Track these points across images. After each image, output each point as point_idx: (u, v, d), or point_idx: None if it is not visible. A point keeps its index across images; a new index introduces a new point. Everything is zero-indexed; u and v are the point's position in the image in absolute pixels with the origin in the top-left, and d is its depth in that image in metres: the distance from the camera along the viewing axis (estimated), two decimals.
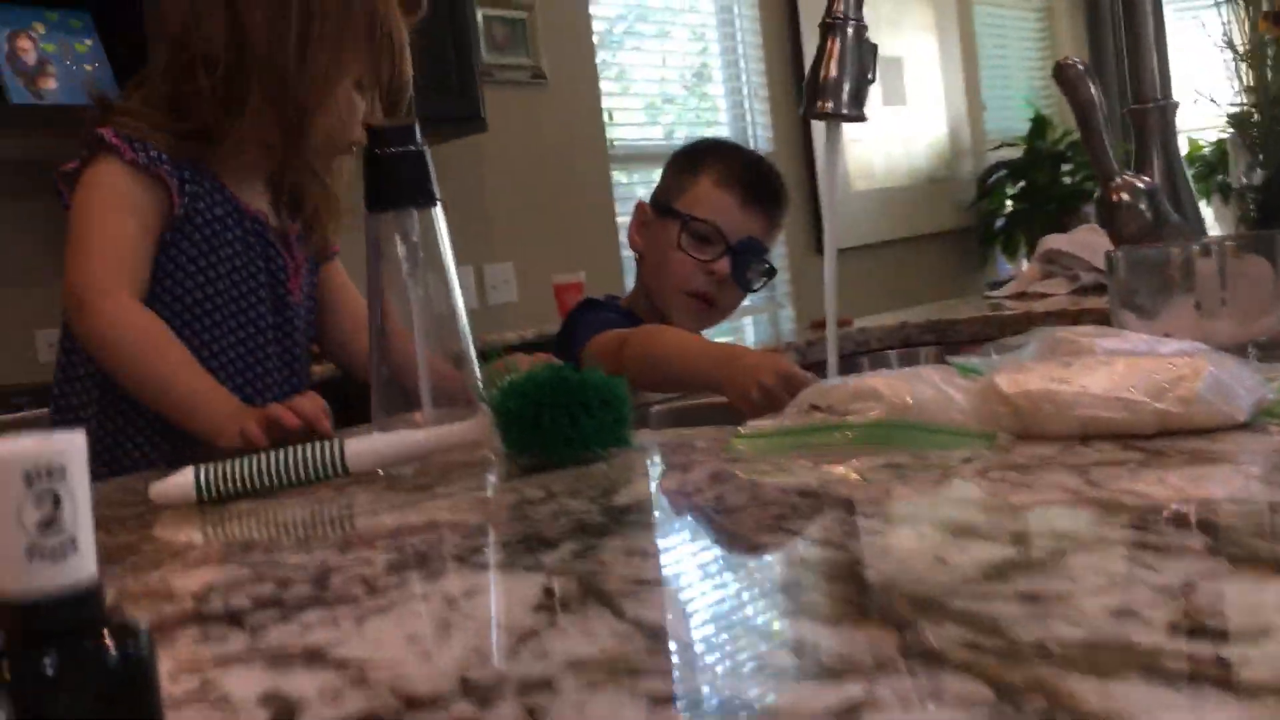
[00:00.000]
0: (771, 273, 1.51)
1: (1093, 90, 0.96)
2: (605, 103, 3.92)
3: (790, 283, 4.55)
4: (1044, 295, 1.77)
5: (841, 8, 1.03)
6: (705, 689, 0.35)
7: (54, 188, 1.22)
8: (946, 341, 1.63)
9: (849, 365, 1.60)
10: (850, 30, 1.03)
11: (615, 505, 0.63)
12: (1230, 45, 1.12)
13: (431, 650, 0.41)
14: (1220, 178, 4.70)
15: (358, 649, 0.42)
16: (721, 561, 0.51)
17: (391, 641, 0.43)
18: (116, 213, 1.15)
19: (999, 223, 5.44)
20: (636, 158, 4.06)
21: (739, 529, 0.56)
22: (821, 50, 1.03)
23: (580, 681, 0.35)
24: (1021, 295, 1.82)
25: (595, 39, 3.88)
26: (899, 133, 5.07)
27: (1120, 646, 0.33)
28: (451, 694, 0.36)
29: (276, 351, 1.27)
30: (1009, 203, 5.40)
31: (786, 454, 0.70)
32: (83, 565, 0.30)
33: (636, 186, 3.99)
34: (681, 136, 4.30)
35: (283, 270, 1.27)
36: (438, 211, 0.94)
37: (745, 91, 4.50)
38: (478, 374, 0.90)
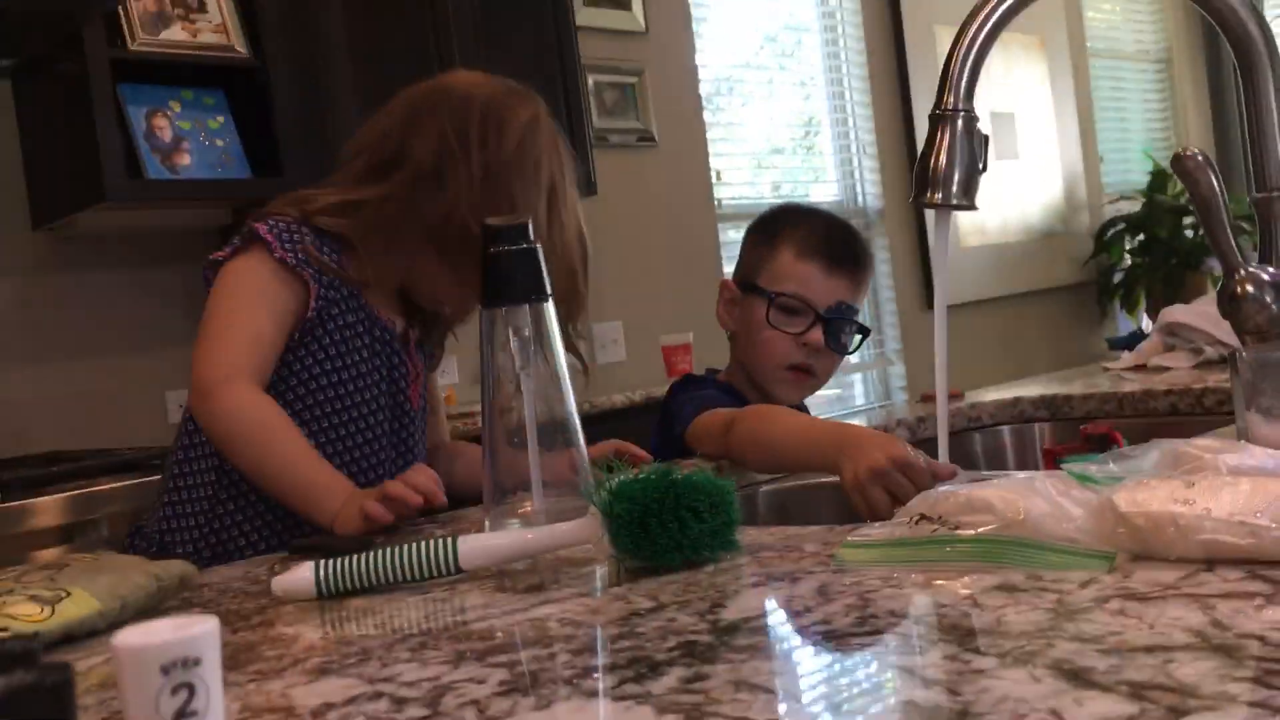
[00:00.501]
0: (865, 332, 1.51)
1: (1213, 181, 0.94)
2: (713, 162, 3.95)
3: (901, 339, 4.50)
4: (1164, 369, 1.72)
5: (951, 100, 1.03)
6: None
7: (202, 275, 1.28)
8: (1061, 418, 1.59)
9: (960, 442, 1.58)
10: (960, 122, 1.02)
11: (723, 623, 0.63)
12: None
13: None
14: None
15: None
16: (825, 701, 0.51)
17: None
18: (252, 305, 1.20)
19: (1117, 277, 5.30)
20: (745, 215, 4.08)
21: (846, 659, 0.56)
22: (931, 141, 1.03)
23: None
24: (1141, 368, 1.77)
25: (702, 99, 3.92)
26: (1012, 187, 4.99)
27: None
28: None
29: (391, 456, 1.30)
30: (1128, 257, 5.26)
31: (895, 566, 0.69)
32: None
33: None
34: (789, 193, 4.30)
35: (404, 378, 1.31)
36: (549, 307, 0.96)
37: (854, 149, 4.48)
38: (588, 472, 0.91)
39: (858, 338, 1.51)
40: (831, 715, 0.49)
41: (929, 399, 1.74)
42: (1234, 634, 0.51)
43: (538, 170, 1.25)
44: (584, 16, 3.47)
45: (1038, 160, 5.15)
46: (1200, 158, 0.95)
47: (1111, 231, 5.28)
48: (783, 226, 1.52)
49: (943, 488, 0.75)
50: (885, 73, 4.54)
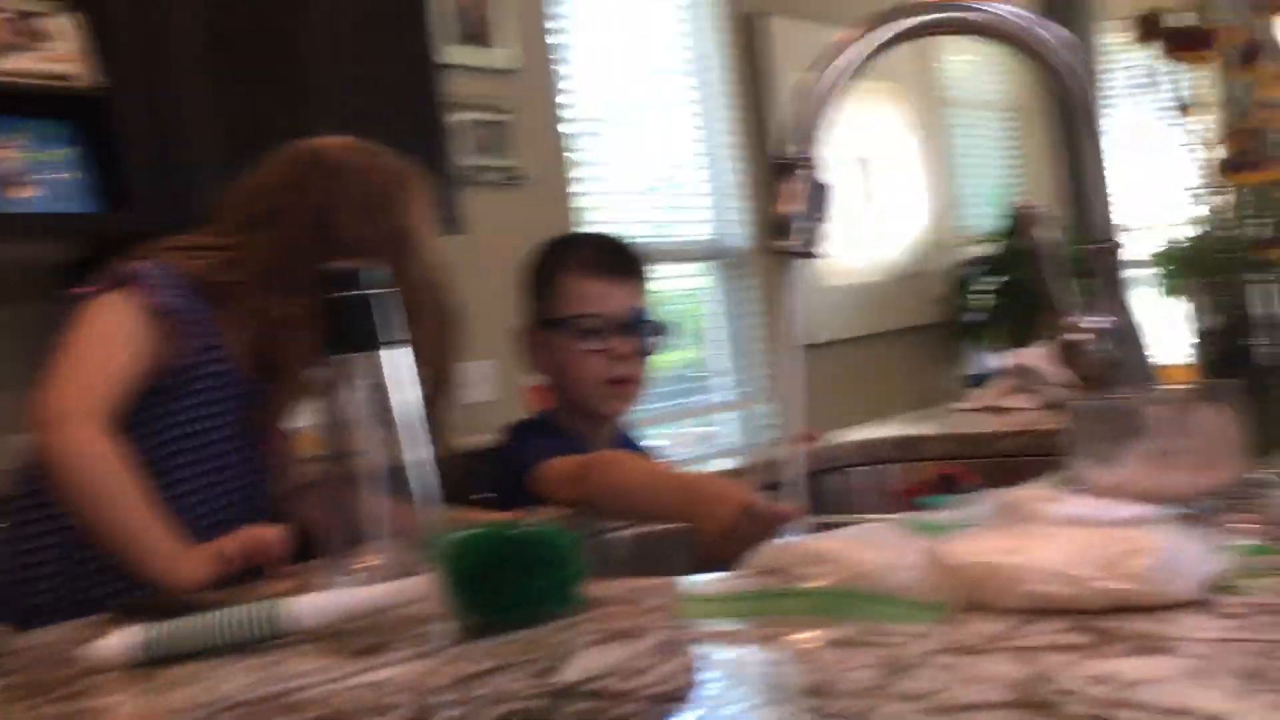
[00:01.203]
0: (663, 329, 1.58)
1: (1047, 233, 0.97)
2: (584, 200, 3.96)
3: (770, 378, 4.56)
4: (1012, 410, 1.77)
5: (793, 150, 1.04)
6: None
7: (50, 312, 1.23)
8: (916, 458, 1.62)
9: (817, 482, 1.60)
10: (804, 170, 1.04)
11: (558, 685, 0.62)
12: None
13: None
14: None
15: None
16: None
17: None
18: (113, 344, 1.16)
19: (977, 316, 5.49)
20: None
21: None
22: (776, 189, 1.05)
23: None
24: (990, 409, 1.83)
25: (572, 137, 3.94)
26: (872, 229, 5.14)
27: None
28: None
29: (245, 511, 1.25)
30: (989, 298, 5.45)
31: (737, 621, 0.69)
32: None
33: None
34: (657, 234, 4.34)
35: (261, 430, 1.27)
36: (396, 354, 0.94)
37: (723, 190, 4.55)
38: (430, 515, 0.88)
39: (660, 337, 1.57)
40: None
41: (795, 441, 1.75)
42: (1053, 689, 0.51)
43: (386, 216, 1.25)
44: (456, 55, 3.46)
45: (897, 204, 5.31)
46: (1036, 210, 0.98)
47: (969, 272, 5.47)
48: (557, 258, 1.58)
49: (786, 537, 0.75)
50: (751, 116, 4.64)
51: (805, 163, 1.03)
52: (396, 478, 0.92)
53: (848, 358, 4.94)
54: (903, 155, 5.35)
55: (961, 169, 5.87)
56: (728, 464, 1.67)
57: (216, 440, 1.23)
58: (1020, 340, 5.11)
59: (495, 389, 3.70)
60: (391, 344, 0.94)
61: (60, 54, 2.45)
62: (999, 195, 6.02)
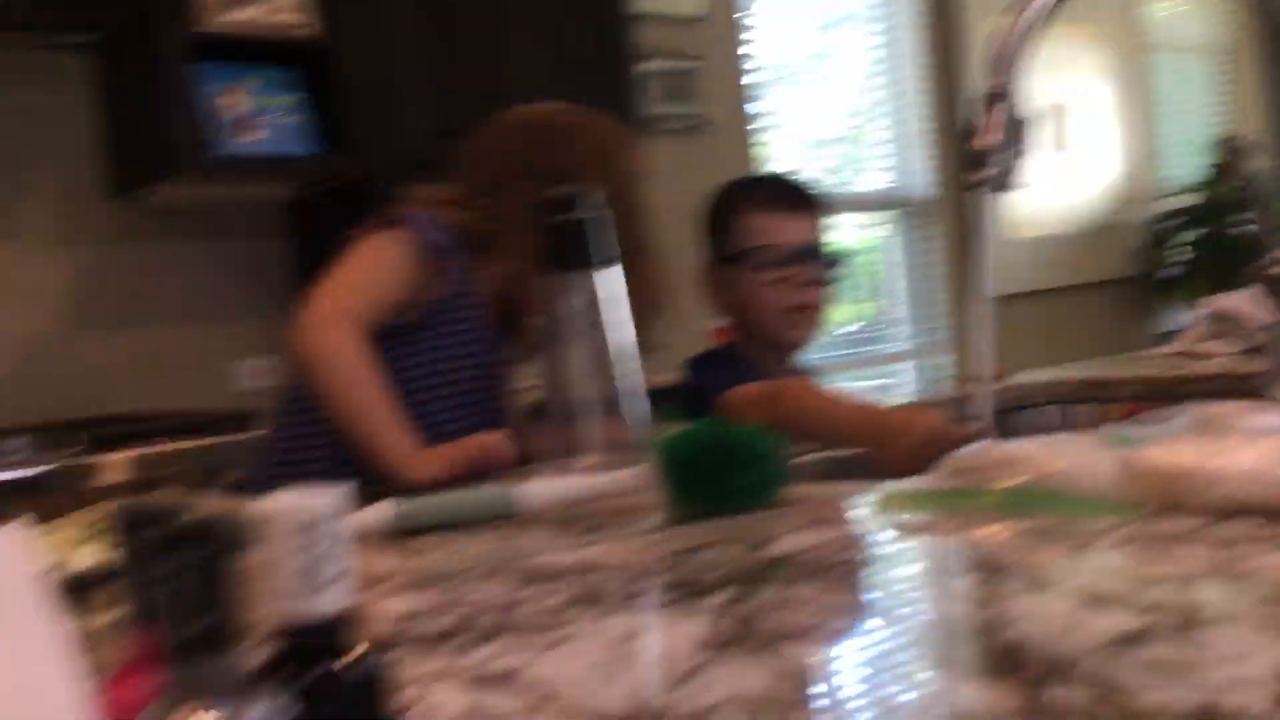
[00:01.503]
0: (840, 260, 1.63)
1: (1257, 163, 0.97)
2: (767, 150, 3.98)
3: (952, 328, 4.51)
4: (1210, 355, 1.74)
5: (997, 81, 1.06)
6: None
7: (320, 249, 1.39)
8: (1103, 400, 1.62)
9: (1004, 422, 1.61)
10: (1006, 102, 1.06)
11: (769, 555, 0.68)
12: None
13: (611, 678, 0.47)
14: None
15: (545, 673, 0.49)
16: (869, 614, 0.56)
17: (574, 669, 0.49)
18: (380, 269, 1.31)
19: (1174, 271, 5.26)
20: None
21: (886, 584, 0.61)
22: (977, 121, 1.07)
23: (738, 713, 0.41)
24: (1185, 354, 1.79)
25: (756, 86, 3.96)
26: (1065, 179, 4.97)
27: (1233, 714, 0.37)
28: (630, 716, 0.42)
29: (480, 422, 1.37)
30: (1188, 250, 5.21)
31: (933, 514, 0.74)
32: (338, 599, 0.37)
33: None
34: (841, 181, 4.32)
35: (499, 361, 1.40)
36: (610, 274, 1.02)
37: (908, 138, 4.49)
38: (641, 426, 0.96)
39: (839, 267, 1.63)
40: (874, 623, 0.54)
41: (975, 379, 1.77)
42: (1244, 566, 0.55)
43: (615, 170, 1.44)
44: (644, 3, 3.52)
45: (1093, 152, 5.12)
46: (1244, 141, 0.98)
47: (1166, 224, 5.24)
48: (735, 197, 1.64)
49: (980, 444, 0.79)
50: (939, 61, 4.55)
51: (1004, 96, 1.06)
52: (610, 393, 1.01)
53: (1036, 311, 4.82)
54: (1100, 101, 5.15)
55: (1162, 116, 5.60)
56: (913, 398, 1.70)
57: (460, 378, 1.37)
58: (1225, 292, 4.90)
59: (674, 332, 3.80)
60: (606, 263, 1.02)
61: (288, 5, 2.63)
62: (1202, 143, 5.72)
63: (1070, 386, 1.66)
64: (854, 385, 4.40)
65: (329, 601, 0.37)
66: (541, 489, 0.88)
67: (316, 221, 2.87)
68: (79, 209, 2.65)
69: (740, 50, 3.89)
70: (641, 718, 0.42)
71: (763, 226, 1.59)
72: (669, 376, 2.94)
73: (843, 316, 4.39)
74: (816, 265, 1.59)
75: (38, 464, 1.89)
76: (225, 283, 2.84)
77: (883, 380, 4.46)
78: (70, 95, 2.64)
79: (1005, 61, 1.06)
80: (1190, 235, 5.19)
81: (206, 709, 0.33)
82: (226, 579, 0.34)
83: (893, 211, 4.50)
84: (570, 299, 1.01)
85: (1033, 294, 4.80)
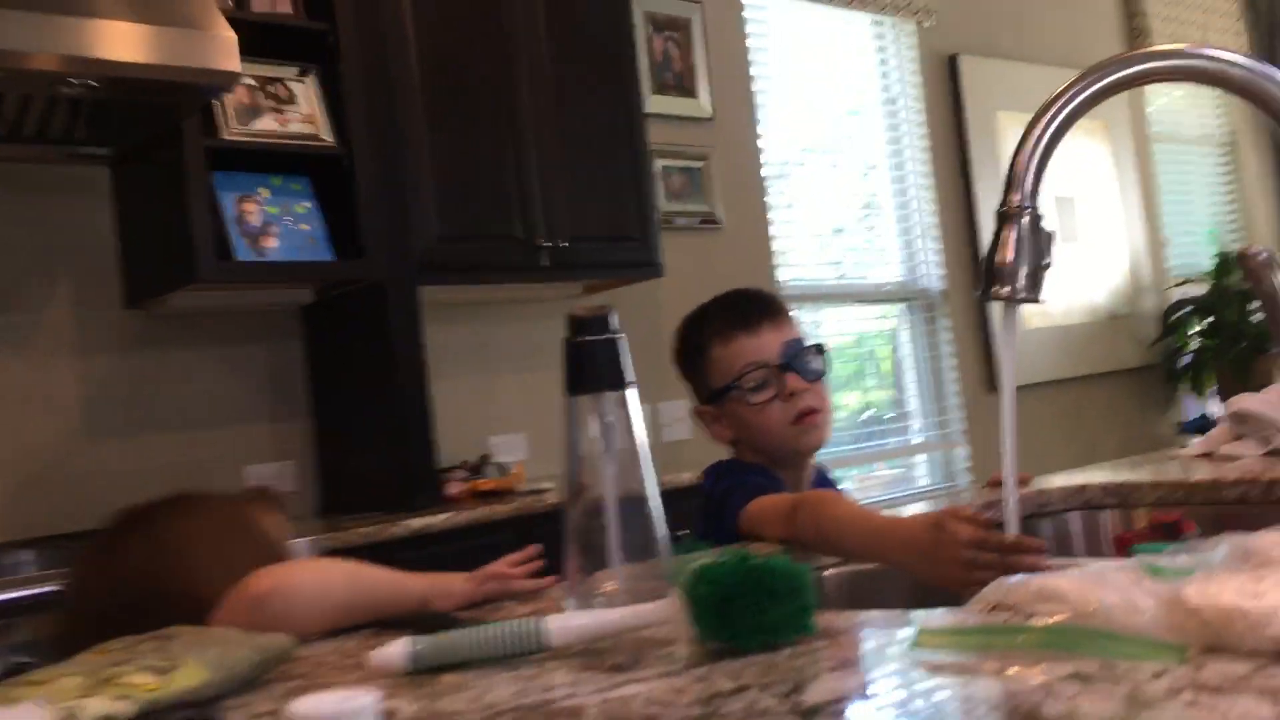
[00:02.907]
0: (822, 349, 1.61)
1: (1275, 279, 0.97)
2: (776, 244, 4.01)
3: (966, 420, 4.48)
4: (1233, 457, 1.71)
5: (1017, 198, 1.07)
6: None
7: None
8: (1130, 505, 1.59)
9: (1027, 528, 1.58)
10: (1026, 219, 1.06)
11: (805, 705, 0.66)
12: None
13: None
14: None
15: None
16: None
17: None
18: None
19: (1184, 360, 5.25)
20: (809, 296, 4.13)
21: None
22: (998, 237, 1.07)
23: None
24: (1209, 455, 1.77)
25: (765, 181, 4.00)
26: (1075, 270, 4.99)
27: None
28: None
29: None
30: (1195, 340, 5.21)
31: (970, 654, 0.71)
32: None
33: (808, 326, 4.04)
34: (851, 275, 4.34)
35: None
36: (629, 393, 1.01)
37: (915, 231, 4.52)
38: (667, 557, 0.94)
39: (820, 359, 1.61)
40: None
41: (996, 484, 1.75)
42: None
43: None
44: (653, 104, 3.58)
45: (1102, 243, 5.15)
46: (1264, 256, 0.97)
47: (1178, 314, 5.24)
48: (696, 336, 1.64)
49: (1016, 578, 0.77)
50: (946, 156, 4.60)
51: (1028, 211, 1.06)
52: (631, 508, 0.99)
53: (1051, 401, 4.81)
54: (1107, 193, 5.19)
55: (1168, 207, 5.64)
56: (937, 503, 1.67)
57: None
58: (1233, 382, 4.88)
59: (691, 428, 3.78)
60: (628, 385, 1.01)
61: (302, 116, 2.67)
62: (1210, 234, 5.75)
63: (1093, 492, 1.63)
64: (869, 476, 4.36)
65: None
66: (567, 622, 0.86)
67: (330, 325, 2.88)
68: (95, 317, 2.67)
69: (751, 146, 3.94)
70: None
71: (735, 352, 1.59)
72: (684, 476, 2.92)
73: (854, 405, 4.37)
74: (804, 366, 1.58)
75: (44, 581, 1.87)
76: (239, 387, 2.85)
77: (897, 470, 4.43)
78: (88, 205, 2.68)
79: (1024, 175, 1.06)
80: (1198, 324, 5.19)
81: None
82: None
83: (902, 303, 4.51)
84: (588, 418, 1.00)
85: (1048, 384, 4.79)
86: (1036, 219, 1.06)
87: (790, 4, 4.16)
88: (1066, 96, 1.05)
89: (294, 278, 2.67)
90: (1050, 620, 0.70)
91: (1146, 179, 5.48)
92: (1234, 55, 1.00)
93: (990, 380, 4.62)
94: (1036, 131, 1.07)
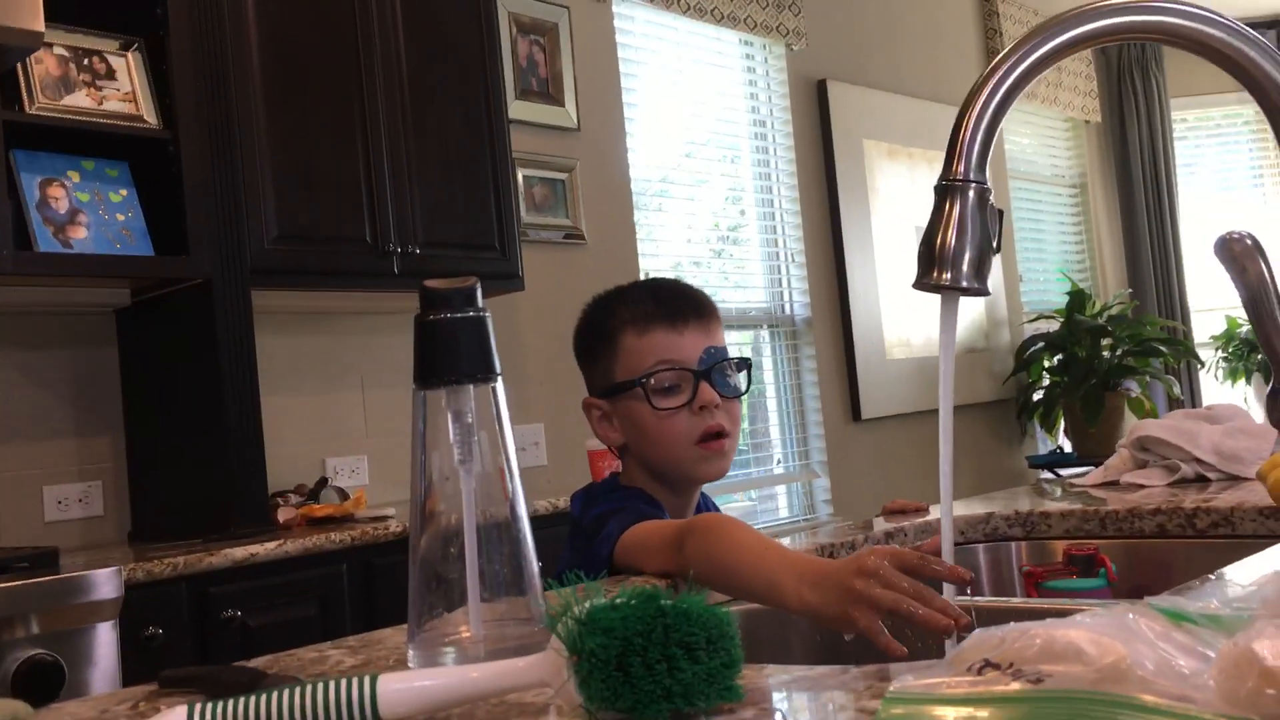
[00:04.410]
0: (747, 363, 1.40)
1: (1263, 269, 0.83)
2: (641, 263, 3.85)
3: (825, 451, 4.39)
4: (1138, 486, 1.60)
5: (961, 168, 0.90)
6: None
7: None
8: (1035, 537, 1.46)
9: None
10: (972, 193, 0.90)
11: None
12: None
13: None
14: (1261, 356, 4.58)
15: None
16: None
17: None
18: None
19: (1037, 395, 5.31)
20: None
21: None
22: (939, 214, 0.91)
23: None
24: (1112, 485, 1.66)
25: (633, 199, 3.83)
26: (934, 303, 4.98)
27: None
28: None
29: None
30: (1046, 376, 5.27)
31: None
32: None
33: None
34: (716, 298, 4.20)
35: None
36: (498, 387, 0.80)
37: (781, 256, 4.43)
38: (541, 596, 0.74)
39: (743, 375, 1.39)
40: None
41: (893, 512, 1.60)
42: None
43: None
44: (516, 110, 3.38)
45: None
46: (1249, 241, 0.83)
47: (1031, 350, 5.29)
48: (609, 317, 1.39)
49: (1008, 626, 0.59)
50: (814, 181, 4.53)
51: (974, 184, 0.90)
52: (495, 533, 0.78)
53: (908, 432, 4.76)
54: None
55: (1022, 244, 5.73)
56: (819, 536, 1.50)
57: None
58: (1082, 418, 4.94)
59: (545, 453, 3.56)
60: (490, 375, 0.80)
61: (122, 94, 2.37)
62: (1060, 271, 5.86)
63: (998, 522, 1.49)
64: (730, 507, 4.21)
65: None
66: (407, 687, 0.64)
67: (149, 329, 2.57)
68: None
69: (618, 160, 3.77)
70: None
71: (649, 346, 1.35)
72: (542, 504, 2.69)
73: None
74: (723, 379, 1.36)
75: None
76: (40, 398, 2.50)
77: (754, 504, 4.29)
78: None
79: (967, 146, 0.90)
80: (1050, 360, 5.25)
81: None
82: None
83: (768, 329, 4.40)
84: (442, 419, 0.79)
85: (905, 416, 4.74)
86: (984, 194, 0.90)
87: (659, 16, 4.03)
88: (1023, 51, 0.89)
89: (106, 272, 2.35)
90: (1066, 683, 0.53)
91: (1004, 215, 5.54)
92: (1215, 14, 0.86)
93: (853, 410, 4.55)
94: (986, 92, 0.91)
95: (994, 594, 1.42)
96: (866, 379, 4.57)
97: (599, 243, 3.69)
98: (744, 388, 1.39)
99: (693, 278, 4.15)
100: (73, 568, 1.92)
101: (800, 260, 4.45)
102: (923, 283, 0.91)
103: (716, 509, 1.52)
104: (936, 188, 0.91)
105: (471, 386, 0.78)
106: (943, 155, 0.91)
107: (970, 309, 5.17)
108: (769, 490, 4.37)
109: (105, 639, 1.84)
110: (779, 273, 4.44)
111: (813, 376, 4.44)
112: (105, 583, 1.84)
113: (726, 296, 4.26)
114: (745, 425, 4.30)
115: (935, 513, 1.53)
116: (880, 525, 1.47)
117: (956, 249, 0.89)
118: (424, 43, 2.88)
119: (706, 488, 1.48)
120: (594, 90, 3.73)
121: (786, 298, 4.44)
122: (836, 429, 4.48)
